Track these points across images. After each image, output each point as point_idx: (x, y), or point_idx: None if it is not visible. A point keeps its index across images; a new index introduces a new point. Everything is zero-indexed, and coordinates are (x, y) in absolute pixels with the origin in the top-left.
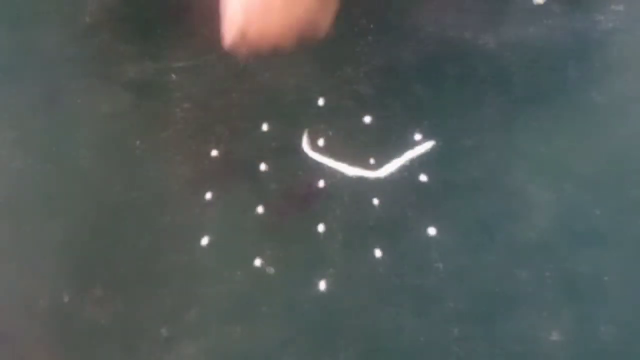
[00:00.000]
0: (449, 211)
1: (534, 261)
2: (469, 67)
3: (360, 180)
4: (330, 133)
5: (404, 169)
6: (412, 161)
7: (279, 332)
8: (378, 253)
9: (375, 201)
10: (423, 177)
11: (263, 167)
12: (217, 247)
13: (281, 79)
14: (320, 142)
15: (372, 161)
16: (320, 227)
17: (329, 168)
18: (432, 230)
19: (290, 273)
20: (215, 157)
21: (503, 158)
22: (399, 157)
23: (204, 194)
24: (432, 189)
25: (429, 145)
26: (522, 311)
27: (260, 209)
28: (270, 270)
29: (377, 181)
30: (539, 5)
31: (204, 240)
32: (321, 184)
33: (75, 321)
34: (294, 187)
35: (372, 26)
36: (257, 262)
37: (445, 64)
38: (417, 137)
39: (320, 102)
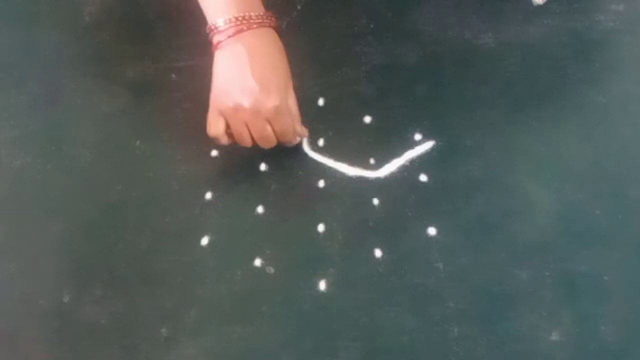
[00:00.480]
0: (449, 211)
1: (534, 261)
2: (469, 67)
3: (360, 180)
4: (330, 133)
5: (404, 169)
6: (412, 161)
7: (279, 332)
8: (378, 253)
9: (375, 201)
10: (423, 177)
11: (263, 167)
12: (217, 247)
13: None
14: (320, 142)
15: (372, 161)
16: (320, 227)
17: (329, 168)
18: (432, 230)
19: (290, 273)
20: (215, 157)
21: (503, 158)
22: (399, 157)
23: (204, 194)
24: (432, 189)
25: (429, 145)
26: (522, 311)
27: (260, 209)
28: (270, 270)
29: (377, 181)
30: (538, 6)
31: (204, 240)
32: (321, 184)
33: (75, 321)
34: (294, 187)
35: (372, 26)
36: (257, 262)
37: (445, 63)
38: (417, 137)
39: (320, 102)
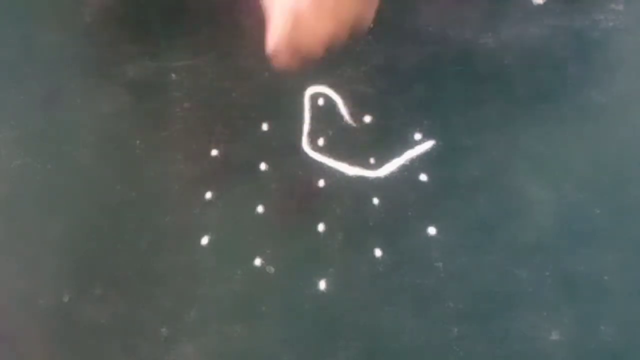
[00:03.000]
0: (449, 211)
1: (534, 261)
2: (469, 67)
3: (360, 180)
4: (330, 133)
5: (404, 168)
6: (412, 161)
7: (279, 332)
8: (378, 253)
9: (375, 201)
10: (423, 177)
11: (263, 167)
12: (217, 247)
13: (281, 79)
14: (320, 142)
15: (372, 161)
16: (320, 227)
17: (329, 168)
18: (432, 230)
19: (290, 273)
20: (215, 157)
21: (503, 158)
22: (399, 156)
23: (204, 194)
24: (432, 189)
25: (429, 145)
26: (522, 311)
27: (260, 209)
28: (270, 270)
29: (377, 181)
30: (538, 5)
31: (204, 240)
32: (321, 183)
33: (75, 321)
34: (294, 187)
35: (372, 26)
36: (257, 262)
37: (445, 63)
38: (417, 137)
39: (321, 102)
